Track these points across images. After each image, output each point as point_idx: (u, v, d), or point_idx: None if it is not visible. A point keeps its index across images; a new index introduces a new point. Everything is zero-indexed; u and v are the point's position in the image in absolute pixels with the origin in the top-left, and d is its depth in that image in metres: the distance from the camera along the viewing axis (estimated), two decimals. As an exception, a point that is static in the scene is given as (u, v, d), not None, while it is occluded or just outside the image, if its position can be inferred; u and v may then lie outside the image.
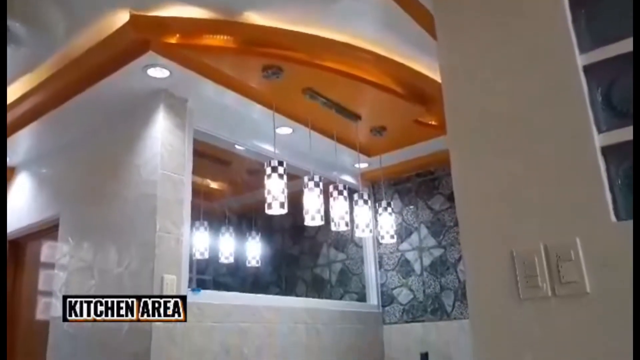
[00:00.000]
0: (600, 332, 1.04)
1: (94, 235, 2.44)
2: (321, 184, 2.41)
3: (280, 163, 2.28)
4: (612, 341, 1.01)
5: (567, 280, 1.09)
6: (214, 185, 3.55)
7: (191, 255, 2.58)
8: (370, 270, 3.38)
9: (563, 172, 1.13)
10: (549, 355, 1.08)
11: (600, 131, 1.11)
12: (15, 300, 2.98)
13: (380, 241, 3.16)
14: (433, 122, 2.75)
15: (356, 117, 2.66)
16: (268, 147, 2.61)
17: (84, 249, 2.47)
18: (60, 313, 2.46)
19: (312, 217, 2.34)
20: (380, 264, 3.39)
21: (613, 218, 1.06)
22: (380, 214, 2.87)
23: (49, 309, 2.61)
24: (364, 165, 3.24)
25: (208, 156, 2.90)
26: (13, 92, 2.43)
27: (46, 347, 2.48)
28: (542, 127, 1.18)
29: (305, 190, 2.38)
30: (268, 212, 2.25)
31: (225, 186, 3.65)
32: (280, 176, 2.26)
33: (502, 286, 1.18)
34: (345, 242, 3.58)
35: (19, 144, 2.81)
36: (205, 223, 3.05)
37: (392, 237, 2.87)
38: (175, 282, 2.13)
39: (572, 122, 1.14)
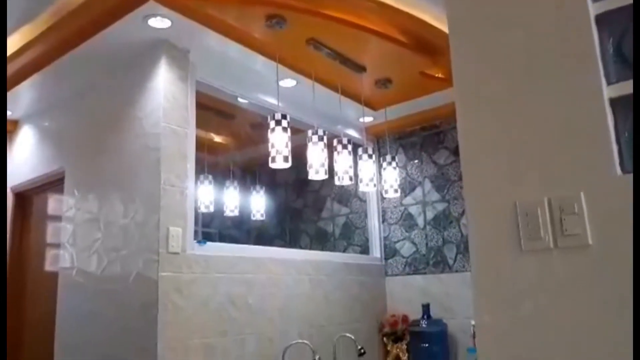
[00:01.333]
0: (600, 283, 1.05)
1: (99, 188, 2.46)
2: (325, 137, 2.40)
3: (284, 116, 2.26)
4: (611, 292, 1.03)
5: (570, 233, 1.10)
6: (217, 139, 3.54)
7: (196, 209, 2.61)
8: (374, 223, 3.41)
9: (570, 124, 1.12)
10: (548, 305, 1.10)
11: (609, 83, 1.09)
12: (23, 252, 3.04)
13: (384, 195, 3.17)
14: (439, 75, 2.70)
15: (361, 68, 2.62)
16: (271, 100, 2.59)
17: (89, 201, 2.49)
18: (68, 264, 2.52)
19: (316, 170, 2.34)
20: (383, 218, 3.41)
21: (619, 171, 1.05)
22: (384, 168, 2.86)
23: (57, 260, 2.66)
24: (368, 119, 3.21)
25: (211, 109, 2.87)
26: (12, 44, 2.39)
27: (56, 297, 2.55)
28: (550, 79, 1.15)
29: (309, 144, 2.37)
30: (272, 165, 2.24)
31: (229, 140, 3.64)
32: (284, 129, 2.24)
33: (504, 238, 1.19)
34: (349, 196, 3.59)
35: (21, 97, 2.79)
36: (210, 177, 3.06)
37: (395, 191, 2.88)
38: (180, 234, 2.16)
39: (581, 73, 1.11)
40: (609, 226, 1.06)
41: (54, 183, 2.84)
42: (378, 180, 2.96)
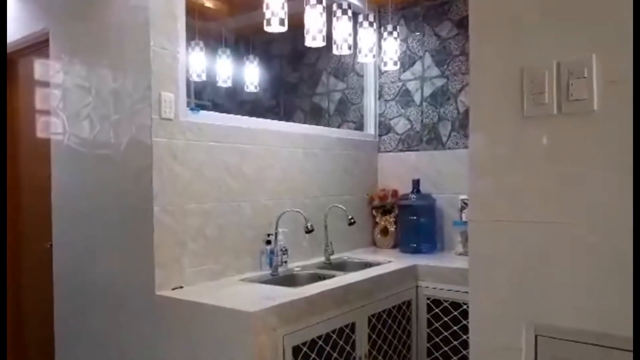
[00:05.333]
0: (603, 149, 1.04)
1: (86, 50, 2.35)
2: (324, 0, 2.25)
3: (280, -25, 2.10)
4: (614, 158, 1.02)
5: (575, 98, 1.07)
6: (208, 3, 3.33)
7: (188, 78, 2.53)
8: (370, 99, 3.35)
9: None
10: (548, 170, 1.10)
11: None
12: (14, 118, 2.99)
13: (383, 68, 3.08)
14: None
15: None
16: (267, -41, 2.38)
17: (77, 65, 2.40)
18: (60, 130, 2.49)
19: (314, 37, 2.23)
20: (380, 94, 3.35)
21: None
22: (384, 39, 2.74)
23: (48, 126, 2.63)
24: (370, -14, 3.01)
25: (201, -31, 2.67)
26: None
27: (49, 162, 2.56)
28: None
29: (307, 7, 2.24)
30: (267, 29, 2.13)
31: (220, 4, 3.42)
32: (280, -10, 2.10)
33: (506, 103, 1.16)
34: (345, 70, 3.49)
35: (-7, -53, 2.55)
36: (201, 43, 2.93)
37: (395, 63, 2.78)
38: (173, 100, 2.11)
39: None
40: (616, 92, 1.03)
41: (38, 45, 2.71)
42: (377, 52, 2.85)
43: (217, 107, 2.92)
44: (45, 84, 2.66)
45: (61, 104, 2.50)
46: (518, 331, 1.13)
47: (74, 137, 2.42)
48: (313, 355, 1.97)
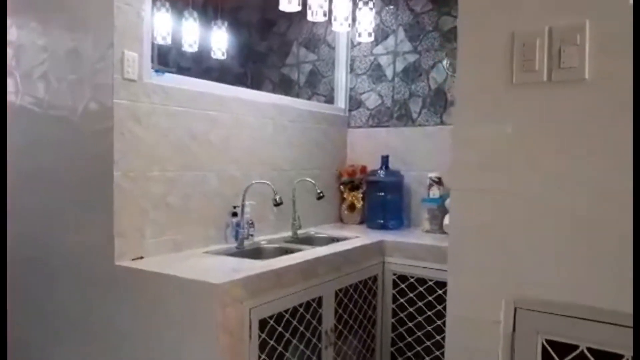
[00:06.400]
0: (593, 119, 1.01)
1: (44, 4, 2.18)
2: (300, -37, 2.16)
3: None
4: (605, 128, 1.00)
5: (567, 66, 1.03)
6: (175, -38, 3.16)
7: (152, 40, 2.39)
8: (341, 73, 3.28)
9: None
10: (536, 140, 1.07)
11: None
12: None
13: (357, 39, 3.01)
14: None
15: None
16: None
17: (32, 20, 2.22)
18: (12, 89, 2.32)
19: (289, 0, 2.13)
20: (351, 68, 3.29)
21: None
22: (360, 9, 2.66)
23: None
24: (345, -47, 2.91)
25: None
26: None
27: (5, 126, 2.38)
28: None
29: (283, -30, 2.14)
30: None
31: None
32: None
33: (494, 70, 1.12)
34: (317, 42, 3.40)
35: None
36: (167, 4, 2.78)
37: (369, 34, 2.71)
38: (136, 60, 1.98)
39: None
40: (608, 60, 1.00)
41: (-13, -4, 2.49)
42: (351, 24, 2.77)
43: (182, 73, 2.78)
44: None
45: (13, 61, 2.32)
46: (497, 304, 1.11)
47: (28, 97, 2.25)
48: (280, 329, 1.93)
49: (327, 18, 2.35)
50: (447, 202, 2.71)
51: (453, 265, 1.18)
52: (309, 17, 2.30)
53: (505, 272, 1.10)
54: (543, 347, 1.07)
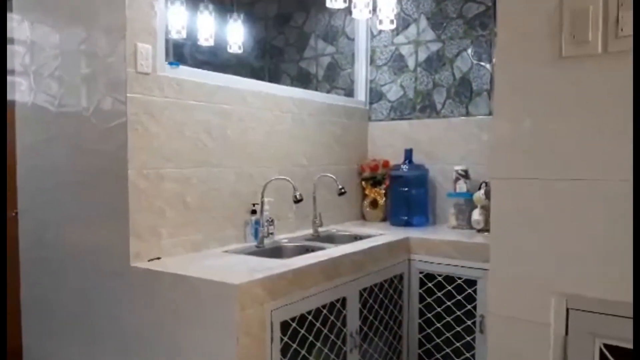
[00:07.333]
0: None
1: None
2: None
3: None
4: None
5: (626, 34, 0.91)
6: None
7: (167, 34, 2.32)
8: (361, 64, 3.17)
9: None
10: (588, 120, 0.95)
11: None
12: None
13: (378, 27, 2.90)
14: None
15: None
16: None
17: (41, 15, 2.16)
18: (26, 87, 2.26)
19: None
20: (371, 59, 3.17)
21: None
22: (381, -6, 2.55)
23: (13, 88, 2.39)
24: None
25: None
26: None
27: (14, 123, 2.33)
28: None
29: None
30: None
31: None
32: None
33: (541, 42, 1.00)
34: (335, 33, 3.30)
35: None
36: (182, -3, 2.70)
37: (391, 22, 2.59)
38: (150, 52, 1.90)
39: None
40: (675, 27, 0.88)
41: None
42: (371, 12, 2.66)
43: (197, 67, 2.71)
44: (9, 41, 2.41)
45: (27, 59, 2.26)
46: (547, 303, 0.99)
47: (42, 95, 2.19)
48: (302, 331, 1.83)
49: (346, 5, 2.25)
50: (477, 194, 2.59)
51: (495, 261, 1.06)
52: (328, 4, 2.20)
53: (556, 268, 0.99)
54: (601, 352, 0.95)
